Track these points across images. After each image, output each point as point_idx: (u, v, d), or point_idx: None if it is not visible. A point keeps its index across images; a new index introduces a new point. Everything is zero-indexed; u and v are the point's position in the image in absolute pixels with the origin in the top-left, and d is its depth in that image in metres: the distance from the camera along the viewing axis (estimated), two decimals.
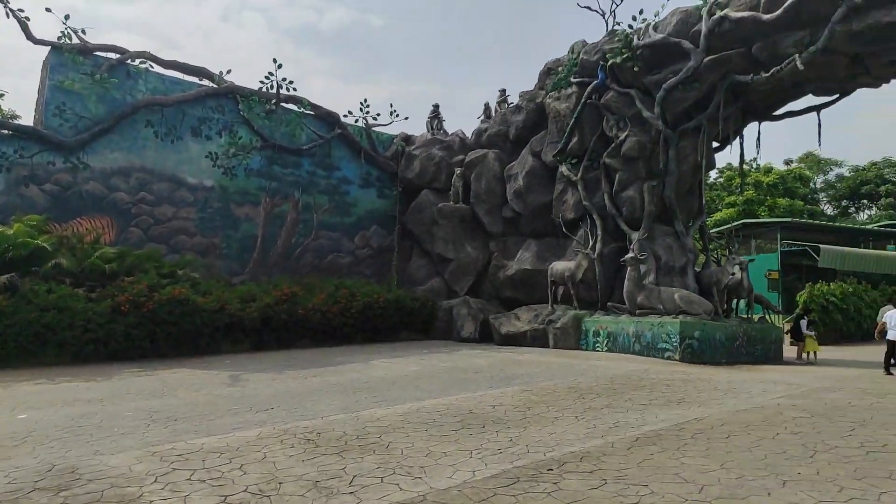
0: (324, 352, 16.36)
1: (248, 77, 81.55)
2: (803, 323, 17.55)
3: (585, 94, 18.55)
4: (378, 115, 23.98)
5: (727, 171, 47.04)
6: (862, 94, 17.22)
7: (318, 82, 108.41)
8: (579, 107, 18.64)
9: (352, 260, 22.90)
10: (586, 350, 17.40)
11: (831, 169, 56.84)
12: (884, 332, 13.36)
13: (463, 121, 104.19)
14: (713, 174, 51.55)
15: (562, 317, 18.30)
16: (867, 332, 23.31)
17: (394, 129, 24.92)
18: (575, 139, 19.02)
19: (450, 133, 24.72)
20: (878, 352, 18.83)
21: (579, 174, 18.97)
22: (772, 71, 15.05)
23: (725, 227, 31.93)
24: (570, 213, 19.38)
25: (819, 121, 17.12)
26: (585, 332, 17.75)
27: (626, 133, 17.76)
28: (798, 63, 14.37)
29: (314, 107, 22.01)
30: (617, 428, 7.01)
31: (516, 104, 21.94)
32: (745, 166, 48.99)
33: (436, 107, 25.26)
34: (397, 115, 23.90)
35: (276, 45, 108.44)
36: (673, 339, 15.32)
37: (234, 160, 20.16)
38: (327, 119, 22.44)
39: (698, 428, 6.95)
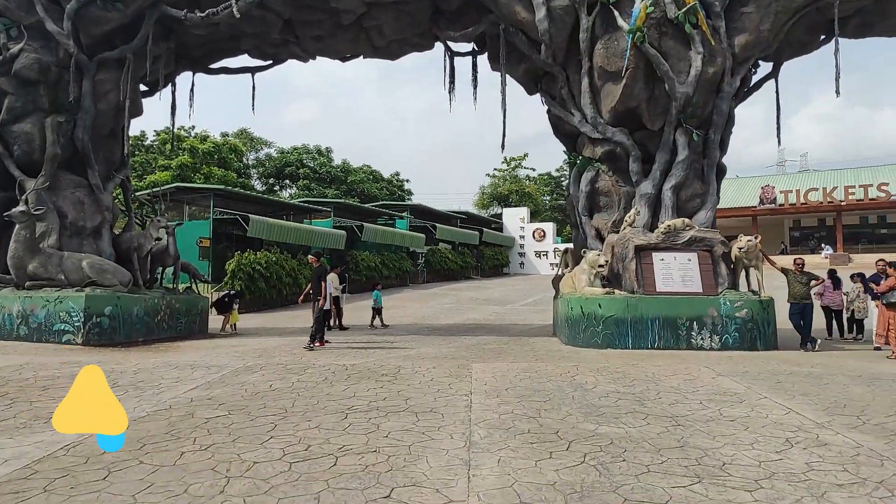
0: None
1: None
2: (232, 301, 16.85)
3: None
4: None
5: (163, 134, 44.46)
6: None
7: None
8: None
9: None
10: None
11: (262, 148, 61.38)
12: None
13: None
14: (150, 136, 48.19)
15: None
16: (287, 297, 25.00)
17: None
18: None
19: None
20: (294, 317, 20.02)
21: None
22: (207, 12, 13.41)
23: (158, 189, 29.46)
24: None
25: (254, 84, 16.54)
26: None
27: (21, 45, 13.13)
28: (234, 10, 13.13)
29: None
30: None
31: None
32: (182, 132, 47.68)
33: None
34: None
35: None
36: (75, 318, 12.07)
37: None
38: None
39: (62, 467, 4.44)
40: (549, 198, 69.64)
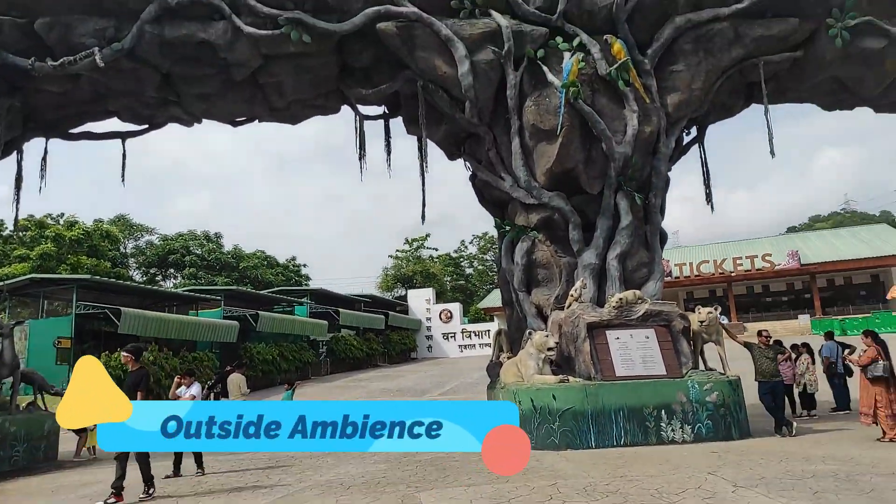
0: None
1: None
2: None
3: None
4: None
5: (22, 221, 39.22)
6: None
7: None
8: None
9: None
10: None
11: (142, 235, 56.41)
12: None
13: None
14: (8, 225, 42.48)
15: None
16: None
17: None
18: None
19: None
20: None
21: None
22: (62, 60, 10.98)
23: (8, 282, 25.03)
24: None
25: (124, 150, 13.93)
26: None
27: None
28: (98, 59, 10.82)
29: None
30: None
31: None
32: (48, 219, 42.54)
33: None
34: None
35: None
36: None
37: None
38: None
39: None
40: (449, 278, 68.70)
